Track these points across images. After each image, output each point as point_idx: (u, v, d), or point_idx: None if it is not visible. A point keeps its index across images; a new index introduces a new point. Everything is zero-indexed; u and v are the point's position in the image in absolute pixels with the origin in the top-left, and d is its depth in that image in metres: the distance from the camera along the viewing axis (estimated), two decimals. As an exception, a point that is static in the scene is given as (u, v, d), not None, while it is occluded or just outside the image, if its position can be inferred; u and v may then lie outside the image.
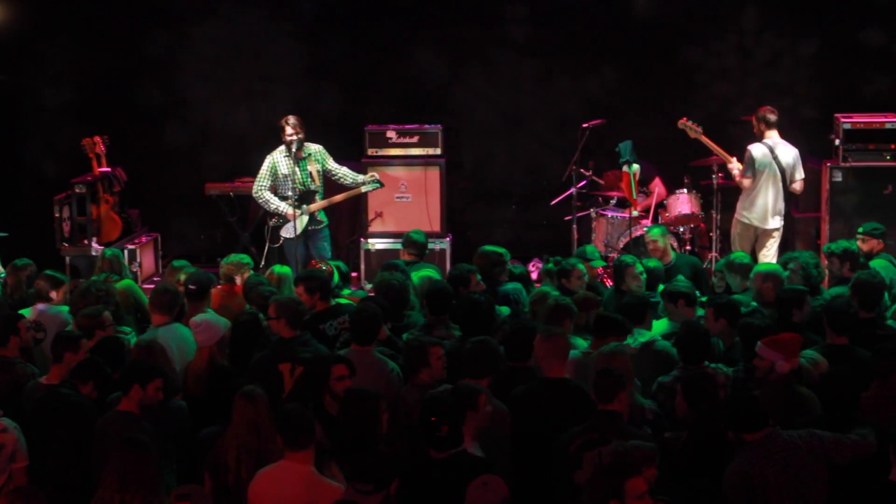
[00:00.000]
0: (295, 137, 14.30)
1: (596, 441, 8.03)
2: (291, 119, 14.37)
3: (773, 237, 14.65)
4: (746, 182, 14.58)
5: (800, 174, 14.56)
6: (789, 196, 14.64)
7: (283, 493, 7.71)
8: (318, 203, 14.56)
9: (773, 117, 14.61)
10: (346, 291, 12.79)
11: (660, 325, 10.91)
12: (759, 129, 14.65)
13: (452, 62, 17.63)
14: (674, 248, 13.92)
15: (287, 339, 10.02)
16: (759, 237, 14.66)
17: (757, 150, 14.53)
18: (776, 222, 14.62)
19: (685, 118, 15.13)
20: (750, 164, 14.54)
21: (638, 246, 15.05)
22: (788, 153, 14.54)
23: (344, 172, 14.74)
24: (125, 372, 8.97)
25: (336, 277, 12.32)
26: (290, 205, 14.37)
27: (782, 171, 14.48)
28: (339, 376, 8.94)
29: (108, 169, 15.73)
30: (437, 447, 7.86)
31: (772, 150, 14.50)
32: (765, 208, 14.58)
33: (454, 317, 10.68)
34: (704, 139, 15.01)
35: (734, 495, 7.67)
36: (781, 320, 10.40)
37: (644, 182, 16.16)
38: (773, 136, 14.58)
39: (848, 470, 8.01)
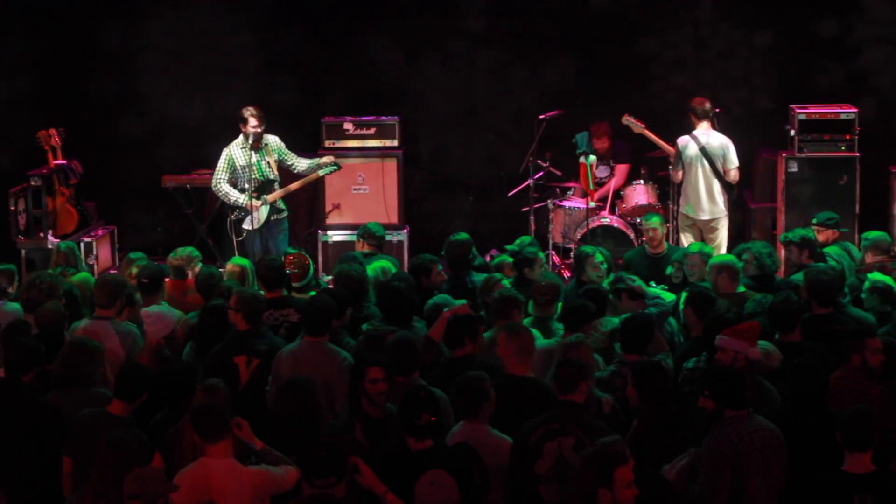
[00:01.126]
0: (259, 129, 14.26)
1: (557, 431, 8.05)
2: (255, 110, 14.30)
3: (715, 228, 14.69)
4: (676, 175, 14.77)
5: (732, 163, 14.59)
6: (729, 186, 14.68)
7: (209, 487, 7.68)
8: (277, 192, 14.52)
9: (701, 108, 14.67)
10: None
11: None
12: (691, 122, 14.74)
13: (409, 53, 17.64)
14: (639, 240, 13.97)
15: (243, 332, 10.01)
16: (702, 229, 14.73)
17: (681, 142, 14.67)
18: (714, 212, 14.66)
19: (627, 114, 15.23)
20: (677, 158, 14.70)
21: (595, 237, 15.09)
22: (715, 142, 14.59)
23: (300, 161, 14.71)
24: (135, 381, 8.81)
25: (311, 271, 12.26)
26: (248, 196, 14.34)
27: (711, 161, 14.54)
28: (373, 379, 8.56)
29: (64, 161, 15.64)
30: (416, 437, 7.87)
31: (697, 141, 14.56)
32: (697, 199, 14.67)
33: (377, 304, 10.78)
34: (648, 133, 15.13)
35: (720, 466, 7.78)
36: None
37: (618, 159, 16.21)
38: (700, 127, 14.65)
39: (801, 461, 8.10)
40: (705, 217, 14.68)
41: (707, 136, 14.61)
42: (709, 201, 14.64)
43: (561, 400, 8.24)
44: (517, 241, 13.04)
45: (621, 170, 16.32)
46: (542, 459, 8.01)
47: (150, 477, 7.37)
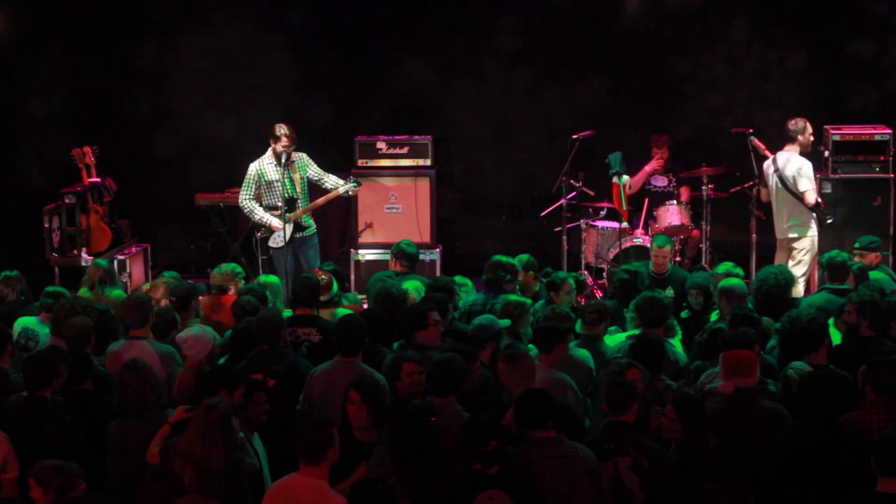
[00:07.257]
0: (289, 149, 14.27)
1: (613, 451, 8.09)
2: (288, 130, 14.27)
3: (792, 248, 14.47)
4: (763, 194, 14.79)
5: (801, 186, 14.32)
6: (814, 207, 14.36)
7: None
8: (298, 210, 14.49)
9: (787, 129, 14.49)
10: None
11: (616, 339, 10.95)
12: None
13: (442, 73, 17.66)
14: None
15: (263, 352, 10.04)
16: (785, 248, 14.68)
17: (766, 162, 14.58)
18: (790, 233, 14.49)
19: (755, 138, 15.03)
20: (762, 178, 14.63)
21: (627, 257, 15.05)
22: (789, 165, 14.42)
23: (327, 176, 14.66)
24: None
25: (335, 287, 12.25)
26: (274, 215, 14.34)
27: (784, 182, 14.41)
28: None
29: (98, 179, 15.69)
30: (484, 463, 7.77)
31: (775, 162, 14.47)
32: (776, 219, 14.59)
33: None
34: (768, 154, 14.83)
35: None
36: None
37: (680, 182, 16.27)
38: (785, 149, 14.51)
39: (832, 480, 8.07)
40: (780, 236, 14.62)
41: (785, 157, 14.44)
42: (782, 221, 14.53)
43: (613, 420, 8.27)
44: (516, 258, 12.79)
45: (684, 191, 16.30)
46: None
47: None
